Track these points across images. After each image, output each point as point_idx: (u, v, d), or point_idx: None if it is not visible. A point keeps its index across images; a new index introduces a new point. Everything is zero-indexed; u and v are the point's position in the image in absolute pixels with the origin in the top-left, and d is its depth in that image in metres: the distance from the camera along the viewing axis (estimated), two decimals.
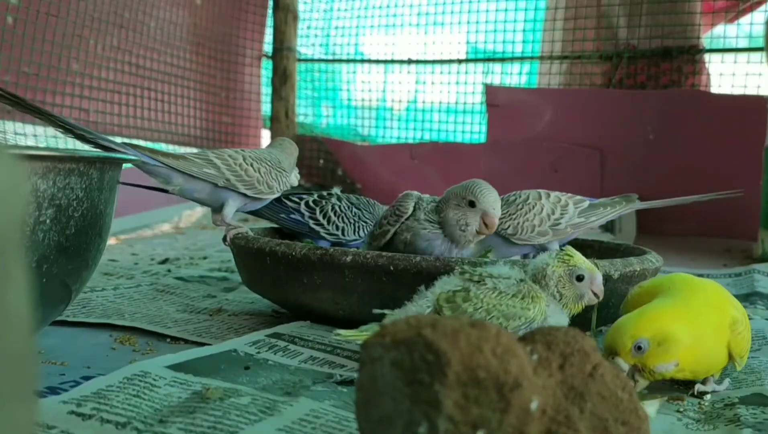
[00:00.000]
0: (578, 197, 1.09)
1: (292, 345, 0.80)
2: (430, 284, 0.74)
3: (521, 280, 0.72)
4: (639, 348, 0.67)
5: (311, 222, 1.14)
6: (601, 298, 0.73)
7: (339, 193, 1.20)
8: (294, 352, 0.78)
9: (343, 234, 1.13)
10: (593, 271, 0.73)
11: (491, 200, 0.90)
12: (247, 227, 1.02)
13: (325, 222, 1.13)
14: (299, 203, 1.16)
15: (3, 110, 1.76)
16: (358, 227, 1.14)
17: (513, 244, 1.03)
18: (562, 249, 0.75)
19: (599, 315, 0.82)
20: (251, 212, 1.15)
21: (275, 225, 1.20)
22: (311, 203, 1.16)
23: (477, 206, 0.89)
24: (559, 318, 0.71)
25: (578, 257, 0.73)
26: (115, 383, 0.64)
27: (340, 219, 1.14)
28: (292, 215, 1.16)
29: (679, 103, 2.03)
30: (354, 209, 1.16)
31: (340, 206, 1.15)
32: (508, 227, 1.02)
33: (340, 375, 0.72)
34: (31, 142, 1.83)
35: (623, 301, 0.81)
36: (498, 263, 0.79)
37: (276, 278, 0.92)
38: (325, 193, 1.20)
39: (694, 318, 0.69)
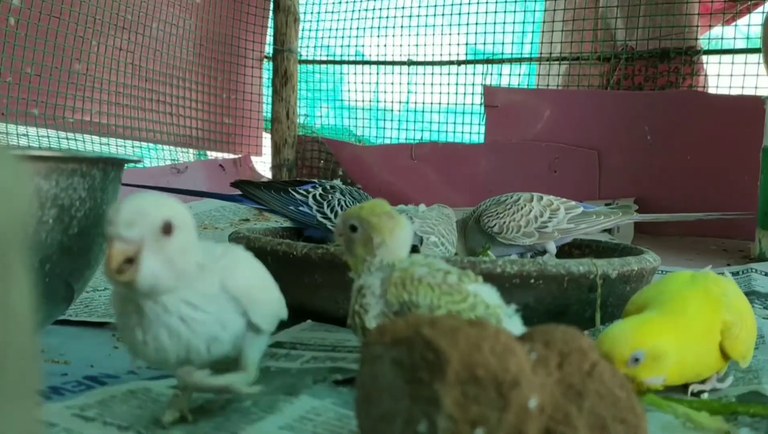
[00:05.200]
0: (572, 203, 1.09)
1: (294, 350, 0.81)
2: None
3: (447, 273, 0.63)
4: (636, 359, 0.64)
5: (319, 216, 1.19)
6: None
7: (341, 186, 1.25)
8: (295, 356, 0.79)
9: None
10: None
11: None
12: (248, 226, 1.03)
13: (332, 216, 1.18)
14: (307, 197, 1.22)
15: None
16: None
17: (500, 243, 1.05)
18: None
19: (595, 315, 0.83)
20: (261, 208, 1.17)
21: (278, 223, 1.22)
22: (318, 197, 1.22)
23: None
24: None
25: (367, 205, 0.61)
26: (118, 395, 0.64)
27: None
28: (301, 208, 1.21)
29: (676, 104, 2.04)
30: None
31: (345, 201, 1.21)
32: (494, 225, 1.04)
33: (340, 376, 0.72)
34: (23, 142, 1.84)
35: (625, 305, 0.79)
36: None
37: (277, 278, 0.92)
38: (327, 186, 1.25)
39: (682, 331, 0.67)
